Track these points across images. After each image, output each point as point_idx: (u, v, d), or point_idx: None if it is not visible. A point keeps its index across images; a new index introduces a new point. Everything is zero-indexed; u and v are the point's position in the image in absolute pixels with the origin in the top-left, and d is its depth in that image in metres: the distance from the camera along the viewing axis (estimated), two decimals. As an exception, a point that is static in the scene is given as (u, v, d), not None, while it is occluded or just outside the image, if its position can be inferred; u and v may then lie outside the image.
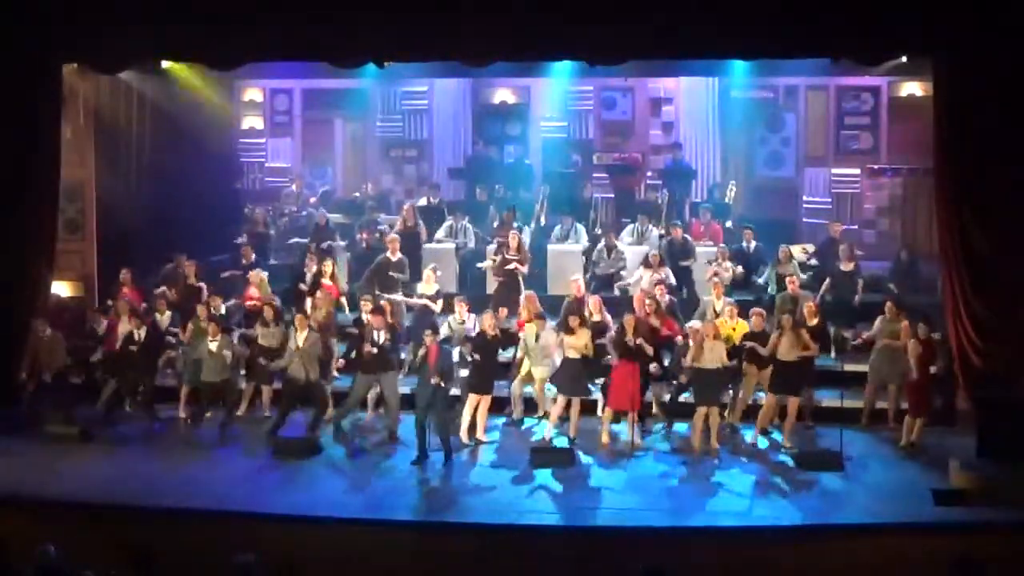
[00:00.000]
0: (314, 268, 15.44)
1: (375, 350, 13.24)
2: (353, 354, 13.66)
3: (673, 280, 15.04)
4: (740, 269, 15.58)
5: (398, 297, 15.00)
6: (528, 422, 14.07)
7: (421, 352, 13.05)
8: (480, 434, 13.34)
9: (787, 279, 14.82)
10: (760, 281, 15.75)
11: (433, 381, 12.70)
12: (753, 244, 16.20)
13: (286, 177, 20.21)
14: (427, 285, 14.90)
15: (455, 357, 13.58)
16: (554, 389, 13.52)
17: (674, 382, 13.71)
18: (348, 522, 11.19)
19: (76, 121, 16.04)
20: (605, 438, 13.16)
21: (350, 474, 12.59)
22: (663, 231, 16.72)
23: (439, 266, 15.49)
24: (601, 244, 16.41)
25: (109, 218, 16.36)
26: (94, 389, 14.59)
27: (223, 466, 12.70)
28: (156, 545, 8.17)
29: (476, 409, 13.32)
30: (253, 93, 20.78)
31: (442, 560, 10.35)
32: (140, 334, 14.02)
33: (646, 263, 15.33)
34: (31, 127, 14.65)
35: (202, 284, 15.40)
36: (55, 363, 14.18)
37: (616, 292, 15.62)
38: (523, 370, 13.83)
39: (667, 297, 14.43)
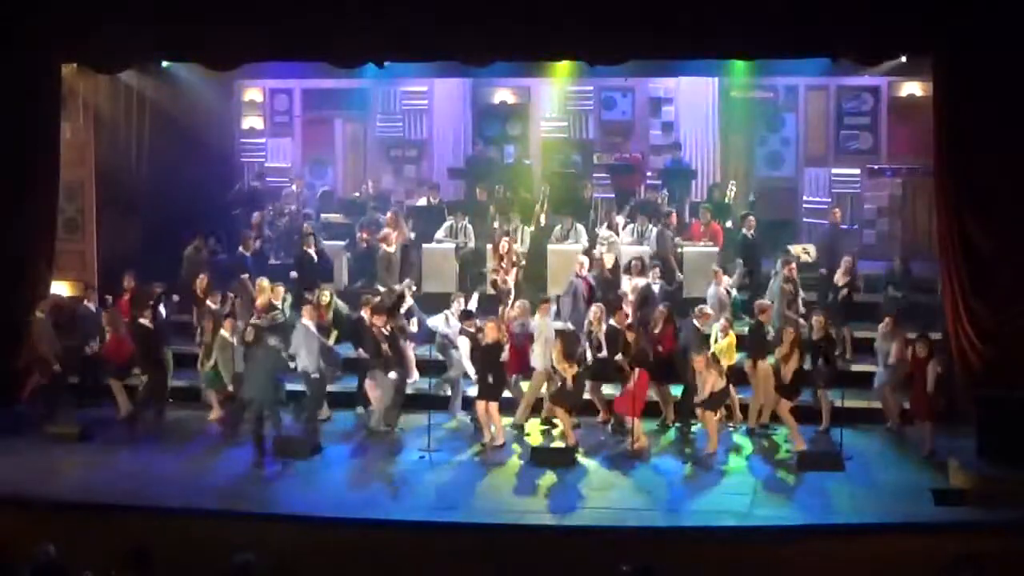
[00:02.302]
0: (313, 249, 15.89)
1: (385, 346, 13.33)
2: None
3: (655, 286, 14.90)
4: (740, 273, 15.53)
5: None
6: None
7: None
8: (499, 436, 13.26)
9: (785, 265, 14.79)
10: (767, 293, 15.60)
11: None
12: (753, 232, 16.20)
13: (286, 177, 20.19)
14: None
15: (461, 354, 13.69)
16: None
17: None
18: (348, 522, 11.20)
19: (76, 121, 16.06)
20: (644, 440, 13.12)
21: (350, 474, 12.60)
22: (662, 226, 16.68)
23: (436, 266, 15.50)
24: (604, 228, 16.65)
25: (109, 218, 16.36)
26: (93, 388, 14.63)
27: (223, 466, 12.70)
28: (156, 545, 8.17)
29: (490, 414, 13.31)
30: (253, 93, 20.76)
31: (442, 560, 10.34)
32: (147, 322, 14.11)
33: (627, 269, 15.35)
34: (31, 127, 14.66)
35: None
36: (43, 350, 14.14)
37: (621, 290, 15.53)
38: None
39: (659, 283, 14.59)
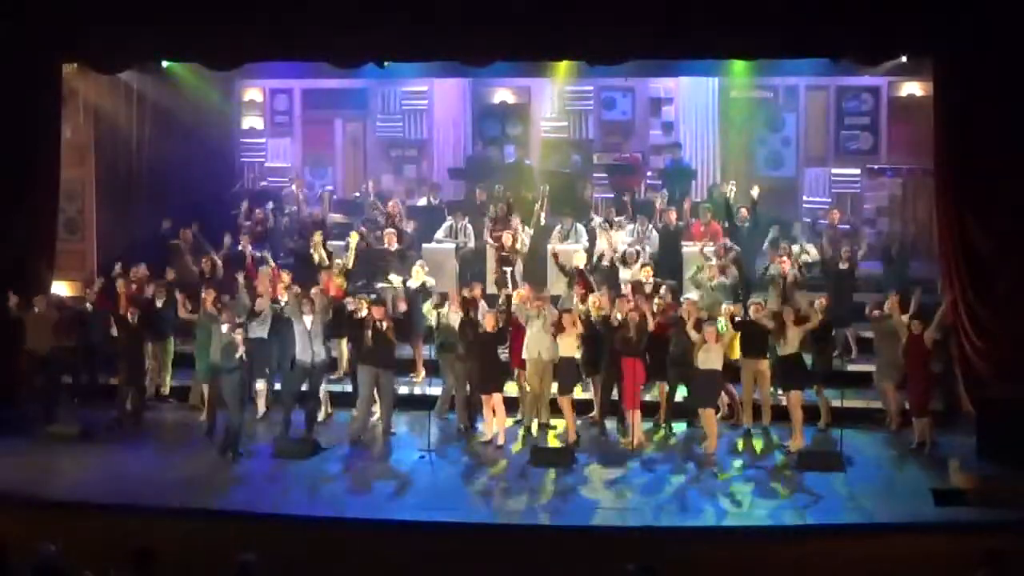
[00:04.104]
0: (322, 251, 15.63)
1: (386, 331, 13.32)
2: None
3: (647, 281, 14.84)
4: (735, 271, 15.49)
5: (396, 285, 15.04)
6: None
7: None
8: (500, 437, 13.26)
9: (777, 259, 14.77)
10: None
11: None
12: (747, 224, 16.17)
13: (286, 177, 20.20)
14: (415, 280, 14.91)
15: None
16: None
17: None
18: (347, 522, 11.20)
19: (76, 121, 16.07)
20: (641, 437, 13.10)
21: (350, 474, 12.60)
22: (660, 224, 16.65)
23: (436, 265, 15.50)
24: (601, 219, 16.64)
25: (109, 218, 16.35)
26: (90, 388, 14.62)
27: (223, 466, 12.69)
28: (156, 545, 8.17)
29: (492, 408, 13.33)
30: (253, 93, 20.77)
31: (442, 560, 10.34)
32: (133, 319, 14.01)
33: (623, 261, 15.34)
34: (31, 127, 14.67)
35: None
36: (40, 343, 14.05)
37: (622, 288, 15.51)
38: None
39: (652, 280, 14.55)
